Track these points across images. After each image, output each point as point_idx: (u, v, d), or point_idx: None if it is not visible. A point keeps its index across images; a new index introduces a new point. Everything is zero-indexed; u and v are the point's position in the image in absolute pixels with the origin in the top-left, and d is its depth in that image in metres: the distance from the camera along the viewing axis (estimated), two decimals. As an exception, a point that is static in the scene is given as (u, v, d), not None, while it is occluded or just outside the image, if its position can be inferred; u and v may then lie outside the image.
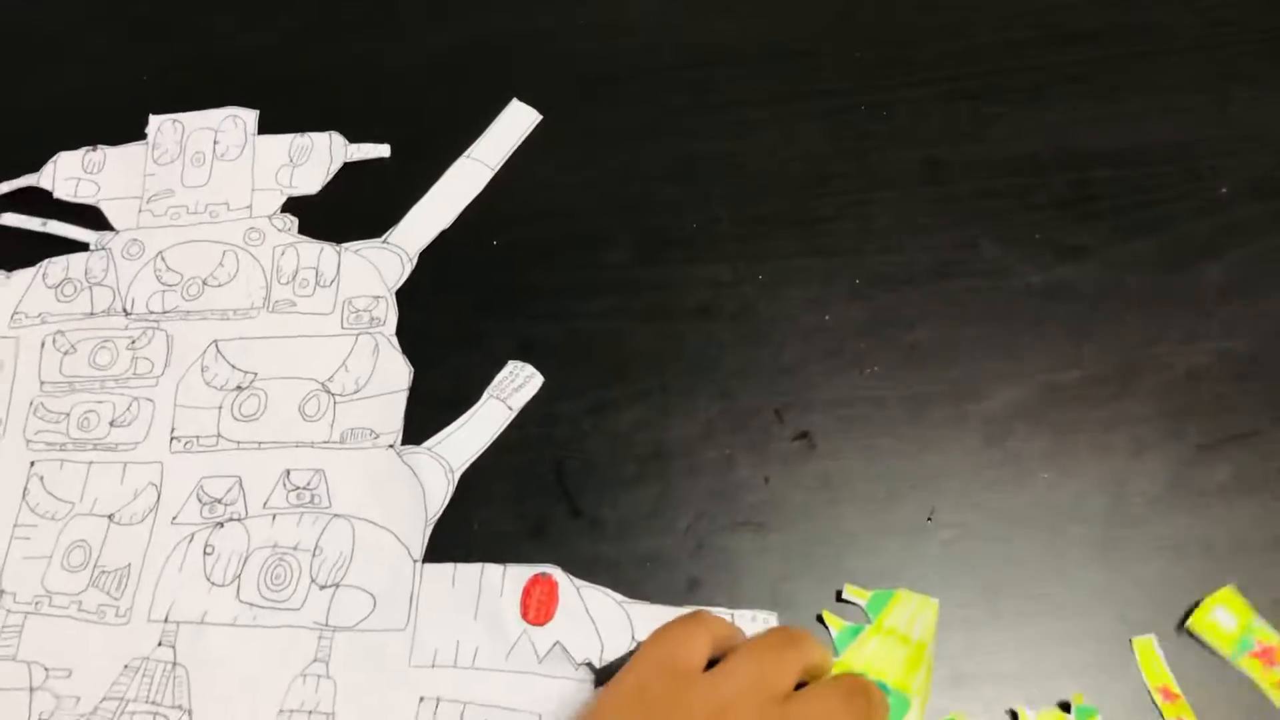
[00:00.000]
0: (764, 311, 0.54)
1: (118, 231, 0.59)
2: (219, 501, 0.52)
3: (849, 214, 0.56)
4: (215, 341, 0.56)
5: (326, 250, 0.58)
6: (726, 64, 0.61)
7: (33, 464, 0.53)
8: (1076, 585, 0.47)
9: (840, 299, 0.54)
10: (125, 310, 0.57)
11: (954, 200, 0.56)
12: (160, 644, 0.49)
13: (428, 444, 0.52)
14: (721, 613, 0.47)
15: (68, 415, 0.54)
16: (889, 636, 0.46)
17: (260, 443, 0.53)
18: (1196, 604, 0.46)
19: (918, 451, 0.50)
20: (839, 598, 0.48)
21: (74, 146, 0.62)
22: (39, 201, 0.61)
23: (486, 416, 0.53)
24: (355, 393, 0.54)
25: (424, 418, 0.53)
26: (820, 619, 0.47)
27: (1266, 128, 0.56)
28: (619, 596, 0.48)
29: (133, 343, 0.56)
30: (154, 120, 0.62)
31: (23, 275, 0.58)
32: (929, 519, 0.49)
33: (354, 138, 0.61)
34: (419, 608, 0.49)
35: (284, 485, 0.52)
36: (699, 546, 0.49)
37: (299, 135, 0.61)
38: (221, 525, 0.51)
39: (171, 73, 0.65)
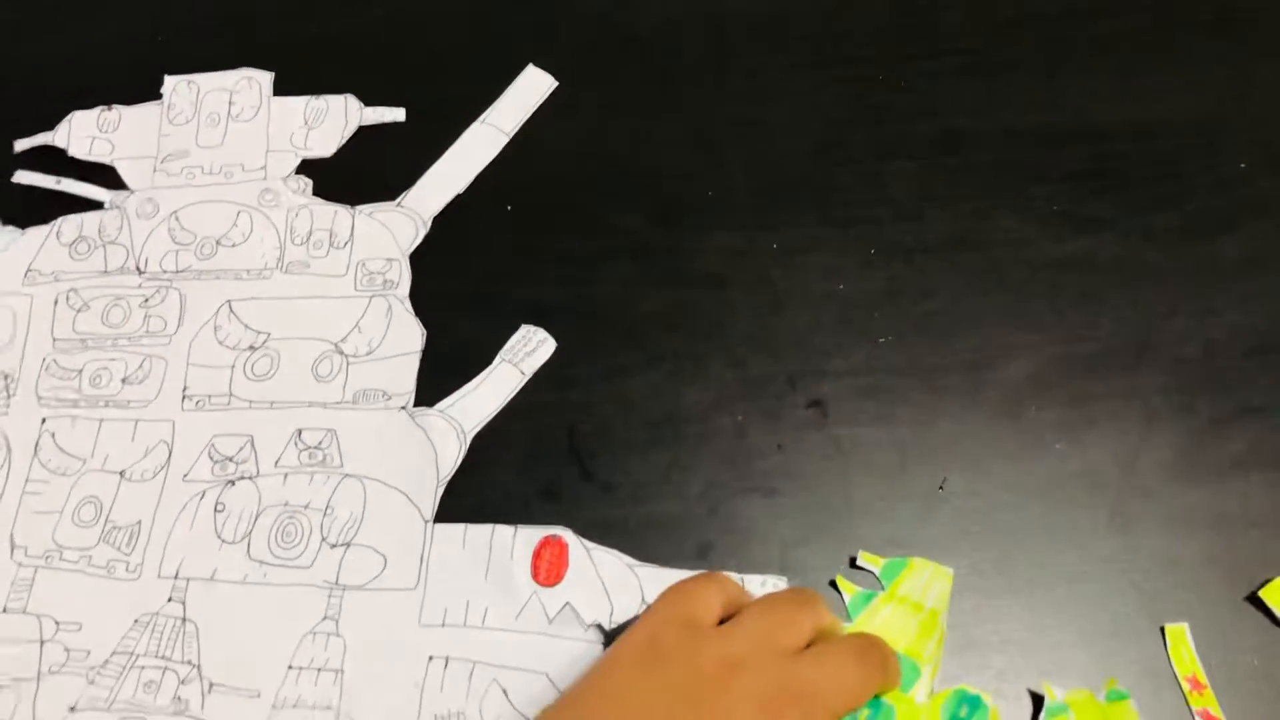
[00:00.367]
0: (778, 280, 0.54)
1: (132, 191, 0.59)
2: (230, 460, 0.52)
3: (866, 183, 0.56)
4: (228, 301, 0.55)
5: (340, 212, 0.58)
6: (746, 31, 0.61)
7: (44, 420, 0.53)
8: (1088, 555, 0.47)
9: (855, 268, 0.54)
10: (139, 269, 0.57)
11: (971, 171, 0.56)
12: (170, 600, 0.49)
13: (440, 406, 0.52)
14: (731, 577, 0.47)
15: (80, 372, 0.54)
16: (902, 604, 0.46)
17: (272, 402, 0.53)
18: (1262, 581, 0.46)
19: (930, 420, 0.50)
20: (853, 564, 0.48)
21: (89, 106, 0.62)
22: (54, 160, 0.61)
23: (499, 380, 0.53)
24: (368, 354, 0.54)
25: (436, 380, 0.53)
26: (834, 584, 0.47)
27: (1288, 103, 0.56)
28: (629, 559, 0.48)
29: (146, 301, 0.56)
30: (169, 81, 0.62)
31: (37, 232, 0.58)
32: (940, 487, 0.49)
33: (369, 101, 0.61)
34: (429, 568, 0.49)
35: (296, 445, 0.52)
36: (710, 511, 0.49)
37: (314, 98, 0.61)
38: (233, 483, 0.51)
39: (187, 33, 0.64)
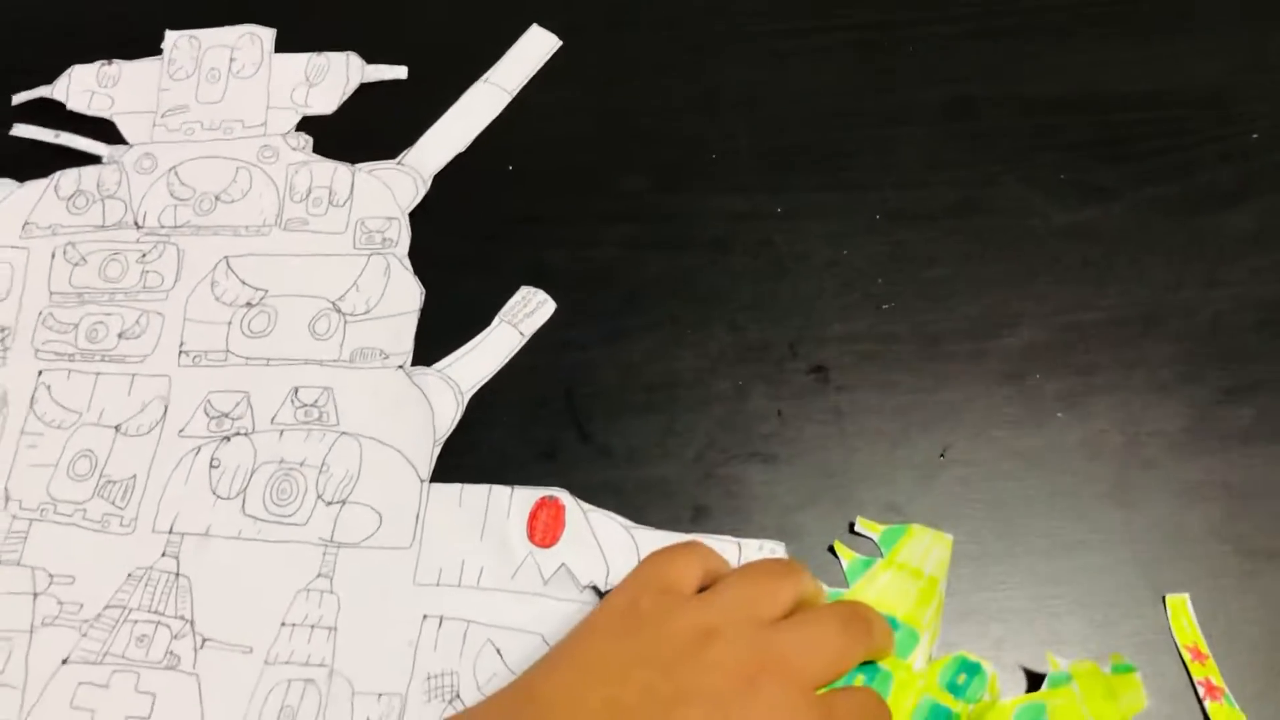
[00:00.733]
0: (781, 244, 0.54)
1: (131, 145, 0.59)
2: (226, 416, 0.51)
3: (871, 148, 0.55)
4: (226, 257, 0.55)
5: (340, 170, 0.57)
6: (753, -8, 0.60)
7: (40, 373, 0.53)
8: (1089, 525, 0.47)
9: (859, 233, 0.53)
10: (136, 224, 0.56)
11: (979, 138, 0.55)
12: (164, 554, 0.49)
13: (437, 366, 0.52)
14: (729, 541, 0.47)
15: (76, 326, 0.54)
16: (901, 571, 0.46)
17: (269, 359, 0.52)
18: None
19: (933, 388, 0.50)
20: (851, 530, 0.47)
21: (89, 60, 0.61)
22: (53, 113, 0.60)
23: (497, 340, 0.52)
24: (366, 313, 0.53)
25: (434, 340, 0.53)
26: (832, 549, 0.47)
27: (1301, 73, 0.55)
28: (625, 521, 0.48)
29: (143, 256, 0.55)
30: (170, 35, 0.61)
31: (35, 186, 0.58)
32: (942, 455, 0.48)
33: (371, 58, 0.60)
34: (425, 527, 0.48)
35: (292, 402, 0.51)
36: (707, 475, 0.49)
37: (316, 55, 0.60)
38: (228, 439, 0.51)
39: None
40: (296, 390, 0.51)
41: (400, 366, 0.52)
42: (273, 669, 0.46)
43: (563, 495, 0.49)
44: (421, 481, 0.49)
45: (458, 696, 0.45)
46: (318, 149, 0.58)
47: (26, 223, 0.57)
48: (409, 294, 0.53)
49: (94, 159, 0.59)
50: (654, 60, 0.59)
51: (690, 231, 0.54)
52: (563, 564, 0.47)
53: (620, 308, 0.53)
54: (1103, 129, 0.55)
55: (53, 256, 0.56)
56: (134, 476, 0.50)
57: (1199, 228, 0.52)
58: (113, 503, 0.50)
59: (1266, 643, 0.44)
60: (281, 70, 0.60)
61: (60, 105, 0.60)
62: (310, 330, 0.53)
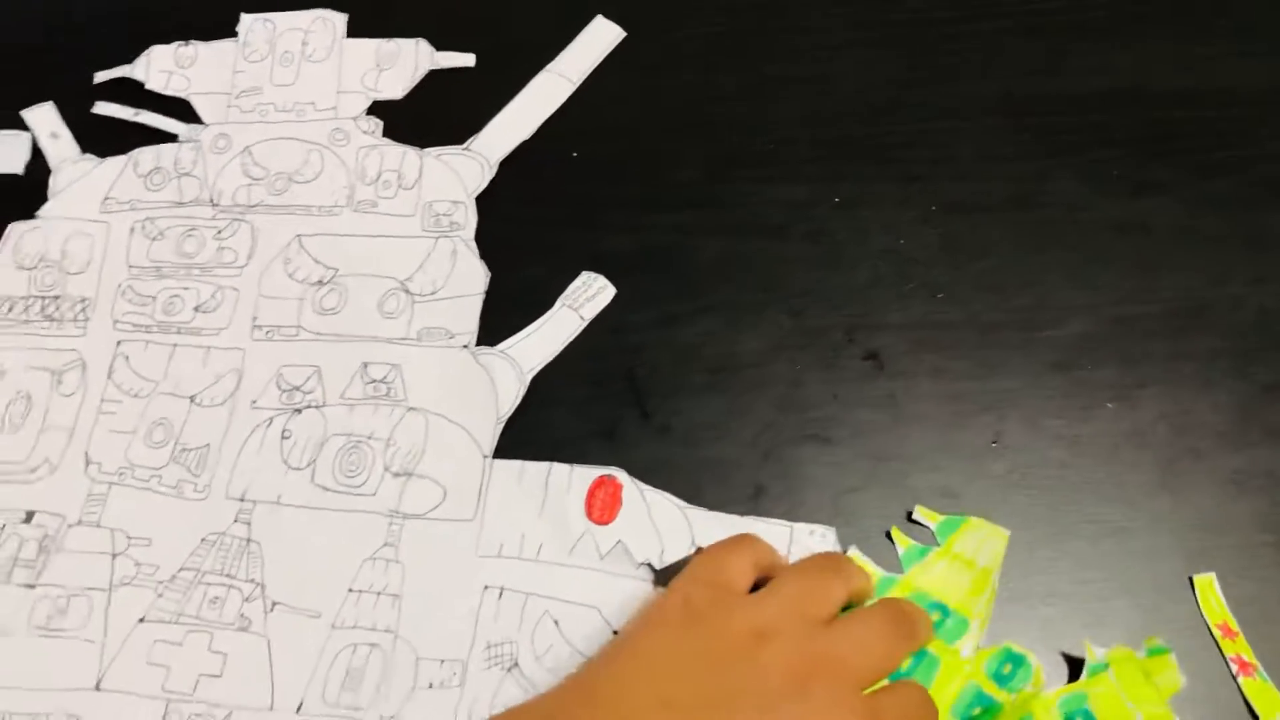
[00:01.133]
0: (838, 233, 0.55)
1: (207, 125, 0.61)
2: (298, 389, 0.53)
3: (927, 141, 0.56)
4: (298, 236, 0.57)
5: (409, 154, 0.59)
6: (810, -12, 0.61)
7: (119, 344, 0.55)
8: (1137, 513, 0.48)
9: (914, 224, 0.55)
10: (212, 201, 0.58)
11: (1032, 133, 0.56)
12: (236, 520, 0.50)
13: (501, 346, 0.53)
14: (781, 524, 0.48)
15: (154, 299, 0.56)
16: (955, 561, 0.47)
17: (339, 335, 0.54)
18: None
19: (985, 376, 0.51)
20: (909, 518, 0.48)
21: (167, 41, 0.63)
22: (132, 92, 0.62)
23: (558, 323, 0.54)
24: (433, 293, 0.55)
25: (498, 321, 0.54)
26: (889, 535, 0.48)
27: (1353, 74, 0.56)
28: (681, 502, 0.49)
29: (219, 233, 0.57)
30: (245, 18, 0.63)
31: (114, 162, 0.60)
32: (994, 442, 0.50)
33: (440, 46, 0.62)
34: (487, 501, 0.50)
35: (361, 378, 0.53)
36: (765, 456, 0.50)
37: (386, 40, 0.62)
38: (299, 411, 0.52)
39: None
40: (366, 366, 0.53)
41: (465, 346, 0.53)
42: (340, 633, 0.48)
43: (620, 475, 0.50)
44: (484, 457, 0.51)
45: (516, 665, 0.47)
46: (387, 133, 0.60)
47: (106, 198, 0.59)
48: (475, 276, 0.55)
49: (171, 137, 0.61)
50: (713, 52, 0.60)
51: (748, 219, 0.56)
52: (619, 541, 0.49)
53: (679, 292, 0.54)
54: (1155, 125, 0.56)
55: (131, 231, 0.58)
56: (208, 445, 0.52)
57: (1248, 225, 0.53)
58: (188, 469, 0.52)
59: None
60: (352, 55, 0.62)
61: (139, 84, 0.62)
62: (379, 309, 0.55)
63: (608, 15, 0.62)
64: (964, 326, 0.52)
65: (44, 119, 0.61)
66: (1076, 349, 0.51)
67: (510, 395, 0.52)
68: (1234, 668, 0.45)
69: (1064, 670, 0.45)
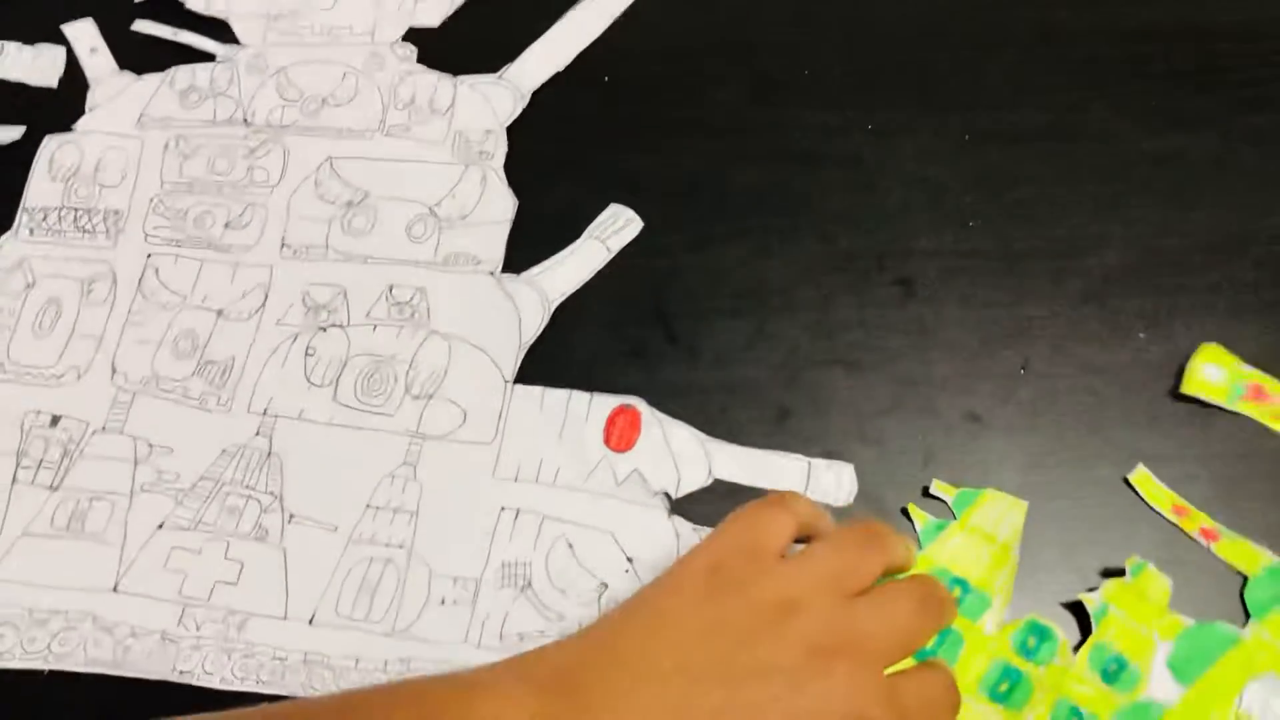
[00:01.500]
0: (871, 160, 0.55)
1: (244, 46, 0.61)
2: (323, 308, 0.53)
3: (963, 70, 0.56)
4: (330, 158, 0.57)
5: (443, 81, 0.59)
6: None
7: (149, 256, 0.55)
8: (1165, 440, 0.48)
9: (948, 152, 0.54)
10: (246, 121, 0.58)
11: (1070, 63, 0.56)
12: (258, 434, 0.51)
13: (526, 274, 0.53)
14: (798, 459, 0.49)
15: (185, 214, 0.56)
16: (973, 534, 0.46)
17: (367, 257, 0.54)
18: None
19: (1015, 303, 0.51)
20: (925, 493, 0.48)
21: (208, -39, 0.63)
22: (172, 11, 0.62)
23: (585, 254, 0.54)
24: (461, 219, 0.55)
25: (524, 249, 0.54)
26: (905, 512, 0.48)
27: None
28: (700, 434, 0.49)
29: (251, 152, 0.57)
30: (286, -58, 0.63)
31: (151, 79, 0.60)
32: (1022, 369, 0.49)
33: (478, -26, 0.62)
34: (506, 425, 0.50)
35: (386, 299, 0.53)
36: (791, 379, 0.50)
37: (426, -33, 0.62)
38: (324, 330, 0.53)
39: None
40: (391, 288, 0.53)
41: (491, 273, 0.54)
42: (356, 547, 0.48)
43: (639, 404, 0.50)
44: (506, 382, 0.51)
45: (529, 585, 0.47)
46: (421, 59, 0.60)
47: (142, 115, 0.59)
48: (503, 204, 0.55)
49: (209, 57, 0.61)
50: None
51: (782, 144, 0.56)
52: (635, 469, 0.49)
53: (710, 215, 0.54)
54: (1195, 58, 0.55)
55: (165, 148, 0.58)
56: (232, 359, 0.53)
57: (1287, 159, 0.53)
58: (211, 382, 0.52)
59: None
60: (392, -19, 0.62)
61: (179, 4, 0.62)
62: (407, 232, 0.55)
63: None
64: (995, 255, 0.52)
65: (84, 33, 0.62)
66: (1110, 278, 0.51)
67: (534, 322, 0.52)
68: (1203, 540, 0.46)
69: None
